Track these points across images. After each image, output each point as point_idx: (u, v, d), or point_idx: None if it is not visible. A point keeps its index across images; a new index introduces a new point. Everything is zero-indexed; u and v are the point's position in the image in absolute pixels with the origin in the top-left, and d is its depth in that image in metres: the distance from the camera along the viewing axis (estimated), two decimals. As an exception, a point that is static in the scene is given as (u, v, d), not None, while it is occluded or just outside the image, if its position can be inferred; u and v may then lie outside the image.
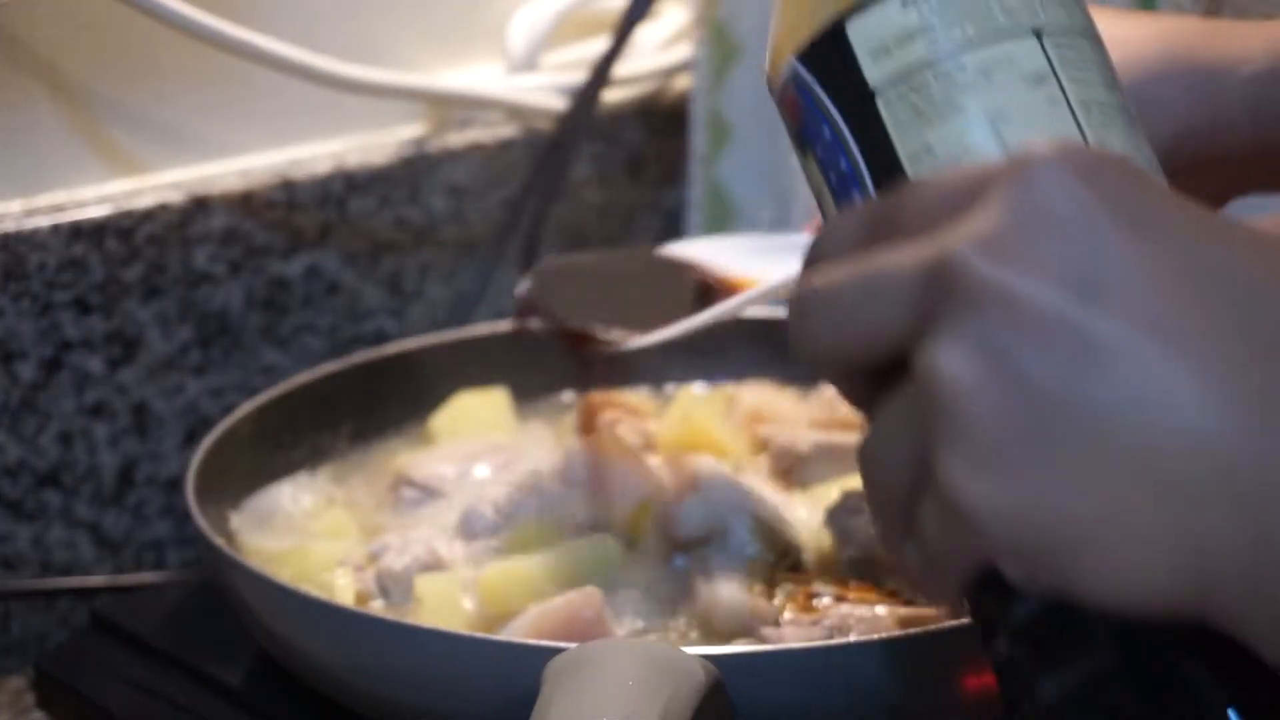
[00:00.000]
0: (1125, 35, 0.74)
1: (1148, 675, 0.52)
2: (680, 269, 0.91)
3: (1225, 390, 0.49)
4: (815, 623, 0.80)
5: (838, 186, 0.60)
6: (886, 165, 0.59)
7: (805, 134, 0.61)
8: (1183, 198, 0.52)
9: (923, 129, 0.58)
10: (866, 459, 0.54)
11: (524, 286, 0.92)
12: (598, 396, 0.99)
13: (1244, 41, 0.76)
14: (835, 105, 0.60)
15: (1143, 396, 0.49)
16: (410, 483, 0.93)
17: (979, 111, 0.58)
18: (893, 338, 0.53)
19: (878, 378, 0.54)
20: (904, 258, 0.52)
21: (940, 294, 0.51)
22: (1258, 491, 0.48)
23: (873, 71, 0.59)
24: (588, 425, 0.97)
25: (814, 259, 0.56)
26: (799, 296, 0.55)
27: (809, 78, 0.60)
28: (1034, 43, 0.58)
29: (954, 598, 0.55)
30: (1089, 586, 0.50)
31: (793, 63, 0.61)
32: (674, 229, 1.17)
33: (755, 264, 0.89)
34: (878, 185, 0.59)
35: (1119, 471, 0.49)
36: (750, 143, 1.13)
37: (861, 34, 0.59)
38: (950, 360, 0.50)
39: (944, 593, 0.54)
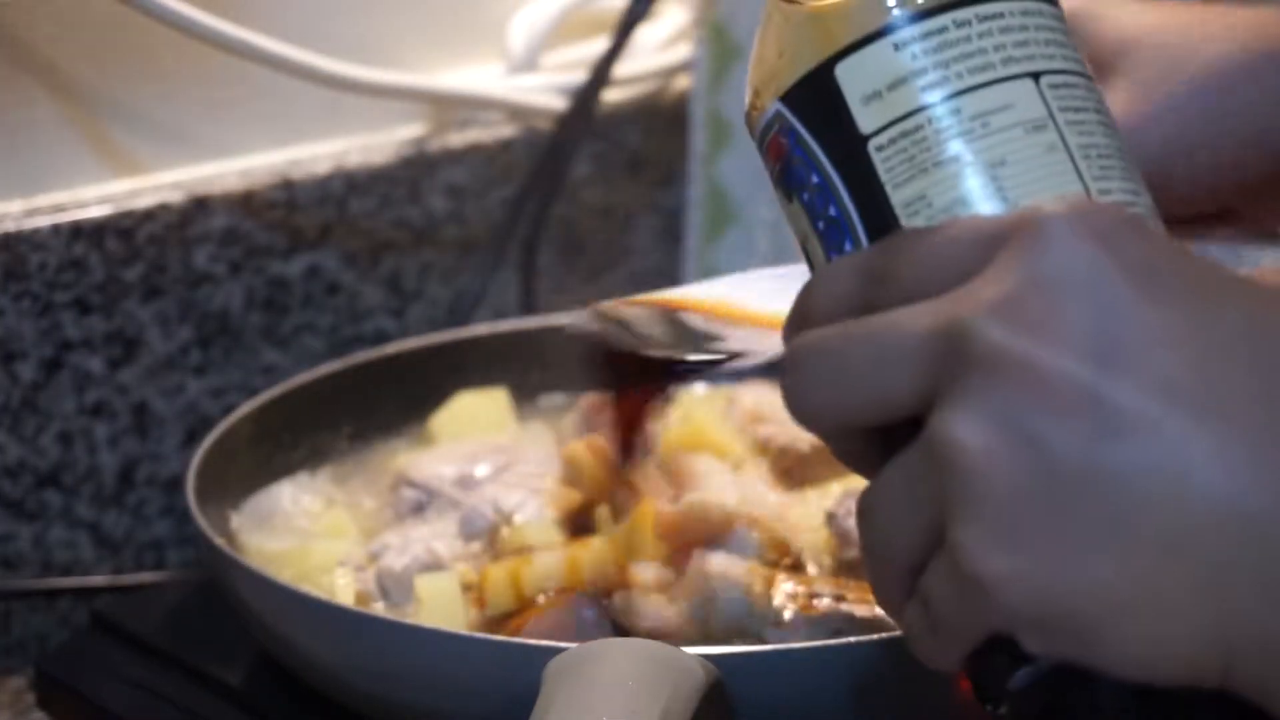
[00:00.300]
0: (1204, 31, 0.71)
1: None
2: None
3: (1251, 456, 0.48)
4: (815, 623, 0.80)
5: (826, 234, 0.58)
6: (879, 214, 0.57)
7: (790, 178, 0.59)
8: (1183, 249, 0.51)
9: (917, 177, 0.56)
10: (868, 516, 0.53)
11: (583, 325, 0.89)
12: (598, 397, 0.99)
13: None
14: (823, 151, 0.58)
15: (1168, 465, 0.48)
16: (410, 483, 0.93)
17: (976, 159, 0.56)
18: (902, 403, 0.52)
19: (877, 435, 0.53)
20: (914, 321, 0.52)
21: (954, 361, 0.50)
22: None
23: (864, 117, 0.57)
24: (588, 425, 0.97)
25: (807, 310, 0.55)
26: (796, 351, 0.54)
27: (794, 121, 0.59)
28: (1031, 86, 0.57)
29: (956, 664, 0.54)
30: (1114, 658, 0.49)
31: (776, 105, 0.59)
32: (674, 229, 1.17)
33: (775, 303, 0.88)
34: (870, 234, 0.57)
35: (1145, 543, 0.48)
36: (750, 143, 1.13)
37: (851, 77, 0.57)
38: (968, 431, 0.50)
39: (947, 658, 0.53)
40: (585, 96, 1.11)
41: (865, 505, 0.54)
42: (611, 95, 1.14)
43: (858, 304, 0.54)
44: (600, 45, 1.12)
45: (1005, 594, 0.49)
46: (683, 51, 1.17)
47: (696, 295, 0.87)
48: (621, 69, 1.12)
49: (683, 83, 1.17)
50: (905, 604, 0.53)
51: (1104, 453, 0.48)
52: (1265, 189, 0.71)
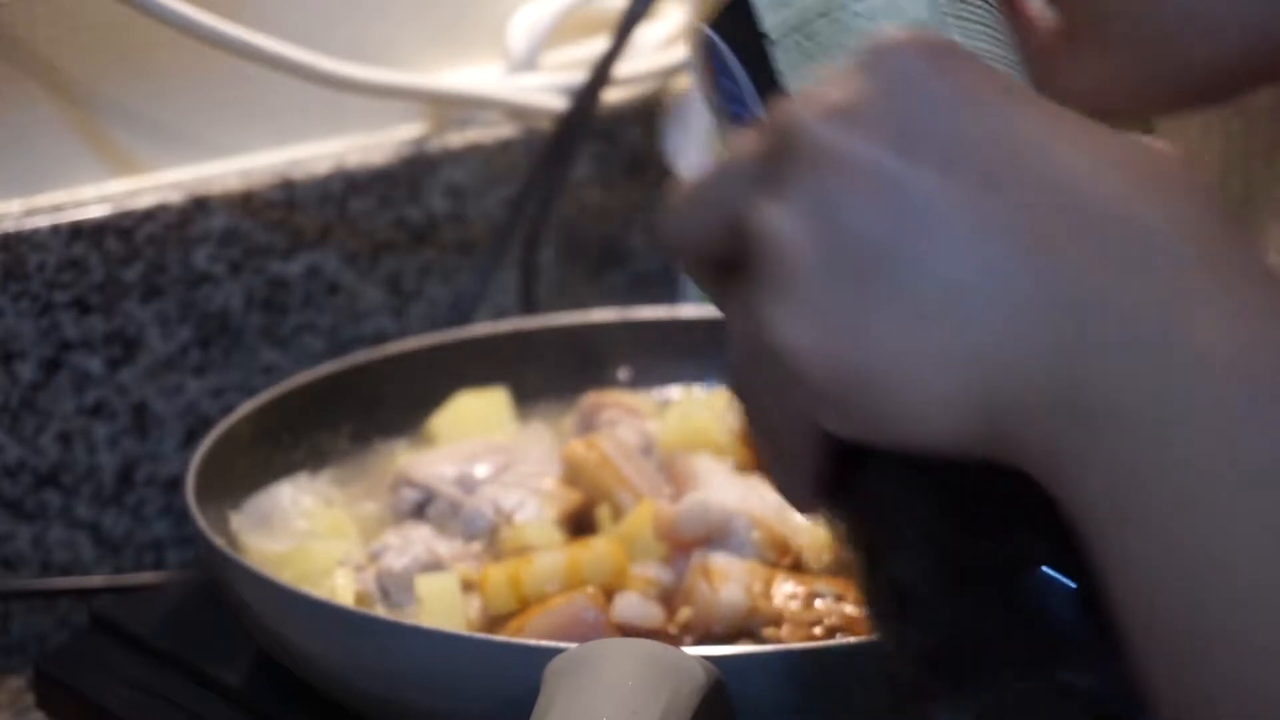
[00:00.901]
0: None
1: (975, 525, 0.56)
2: None
3: (1018, 237, 0.52)
4: (815, 623, 0.80)
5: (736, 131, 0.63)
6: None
7: (717, 95, 0.64)
8: (1030, 91, 0.56)
9: (809, 68, 0.60)
10: (726, 357, 0.58)
11: None
12: (597, 396, 0.99)
13: None
14: (738, 58, 0.63)
15: (949, 241, 0.53)
16: (410, 483, 0.93)
17: (859, 49, 0.59)
18: (736, 213, 0.56)
19: (730, 271, 0.57)
20: (752, 139, 0.57)
21: (780, 160, 0.55)
22: (1043, 322, 0.52)
23: (770, 20, 0.61)
24: (588, 425, 0.97)
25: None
26: (673, 199, 0.59)
27: (718, 40, 0.63)
28: None
29: (811, 493, 0.58)
30: (893, 417, 0.53)
31: (705, 31, 0.64)
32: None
33: None
34: None
35: (923, 308, 0.53)
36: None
37: None
38: (777, 215, 0.54)
39: (800, 486, 0.58)
40: (585, 96, 1.11)
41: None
42: (611, 95, 1.14)
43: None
44: (600, 45, 1.12)
45: (802, 363, 0.54)
46: (683, 51, 1.17)
47: None
48: (621, 69, 1.12)
49: (683, 83, 1.17)
50: (764, 441, 0.58)
51: (894, 229, 0.53)
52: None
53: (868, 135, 0.54)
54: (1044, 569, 0.54)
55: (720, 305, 0.59)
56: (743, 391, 0.58)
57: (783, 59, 0.61)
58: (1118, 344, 0.51)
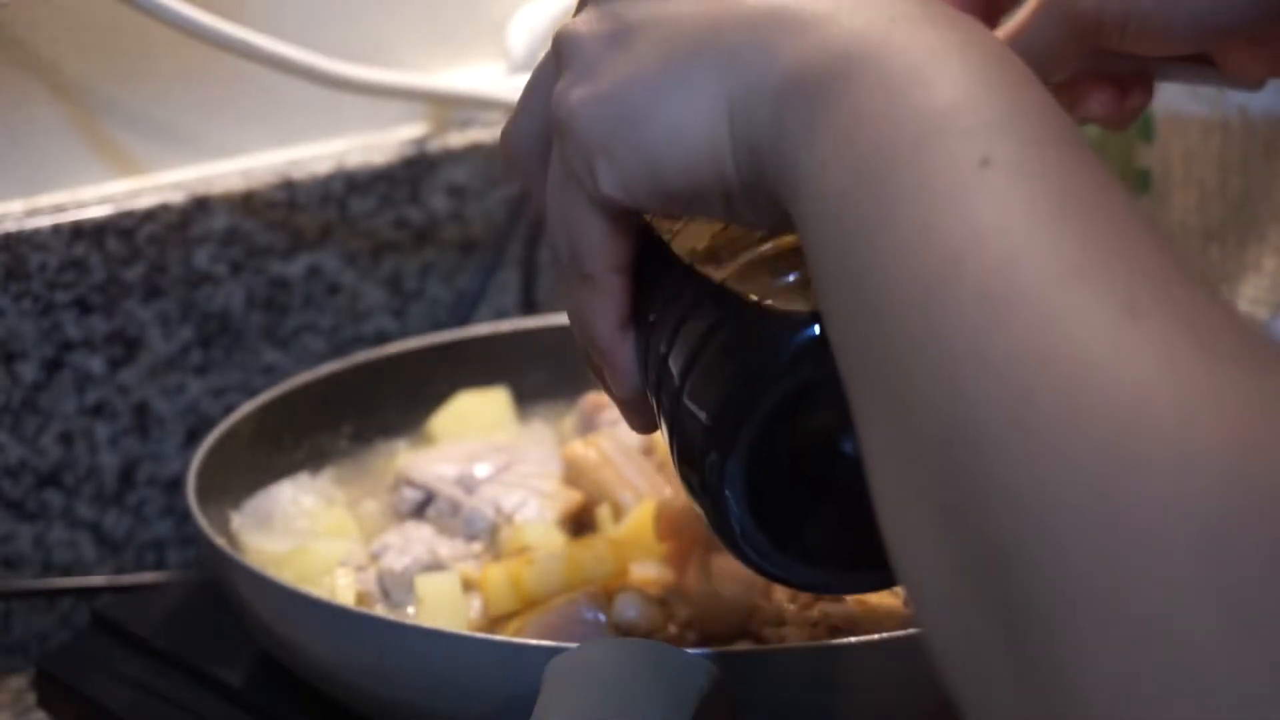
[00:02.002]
0: None
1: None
2: None
3: None
4: (815, 623, 0.80)
5: None
6: None
7: None
8: None
9: None
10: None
11: None
12: (597, 396, 0.99)
13: None
14: None
15: (697, 4, 0.60)
16: (410, 483, 0.93)
17: None
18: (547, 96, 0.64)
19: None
20: None
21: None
22: (773, 23, 0.57)
23: None
24: (588, 425, 0.97)
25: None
26: None
27: None
28: None
29: (618, 327, 0.65)
30: (656, 146, 0.59)
31: None
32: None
33: None
34: None
35: (674, 48, 0.59)
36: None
37: None
38: (572, 22, 0.63)
39: (609, 322, 0.65)
40: (585, 96, 1.11)
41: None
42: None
43: None
44: (600, 45, 1.12)
45: (580, 120, 0.61)
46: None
47: None
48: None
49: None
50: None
51: (655, 7, 0.60)
52: (1239, 40, 0.71)
53: None
54: (802, 321, 0.60)
55: (539, 189, 0.66)
56: (556, 226, 0.65)
57: None
58: (821, 44, 0.55)
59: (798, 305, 0.61)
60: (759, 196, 0.58)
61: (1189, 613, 0.43)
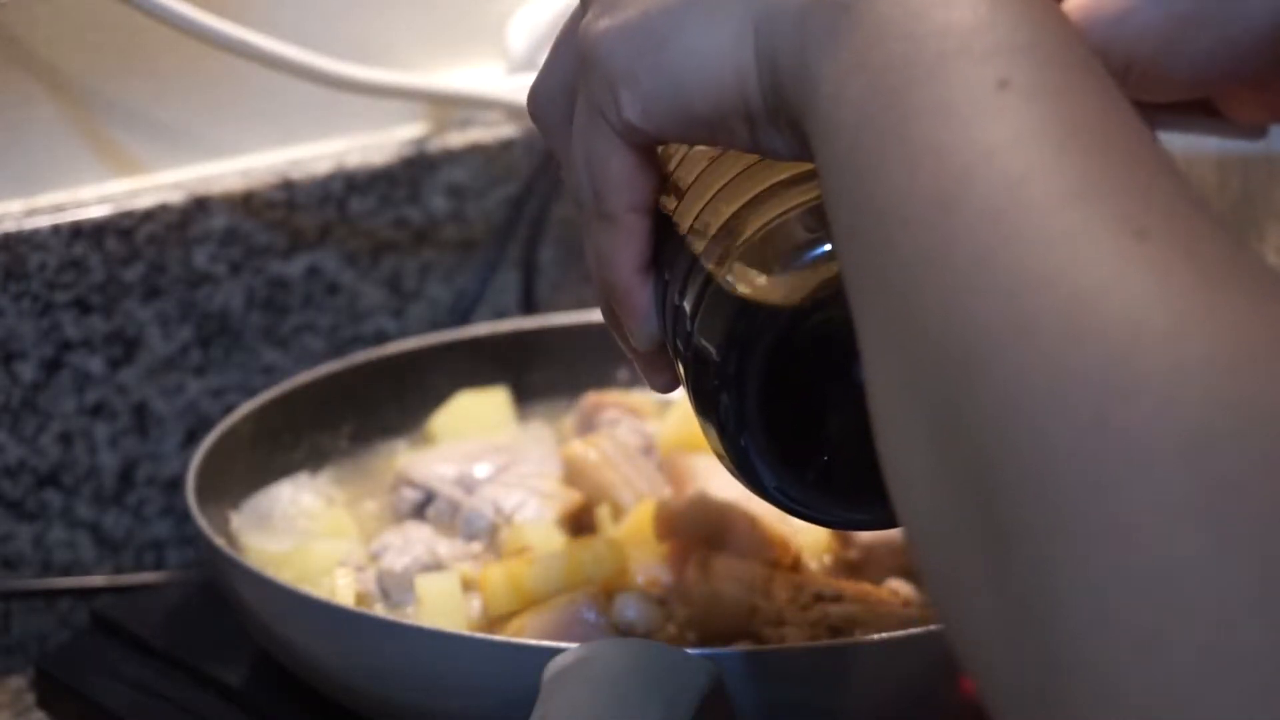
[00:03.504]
0: None
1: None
2: None
3: None
4: (815, 623, 0.80)
5: None
6: None
7: None
8: None
9: None
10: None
11: None
12: (597, 396, 0.99)
13: None
14: None
15: None
16: (410, 483, 0.93)
17: None
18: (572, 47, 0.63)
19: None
20: None
21: None
22: None
23: None
24: (588, 425, 0.97)
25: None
26: None
27: None
28: None
29: (639, 267, 0.65)
30: (681, 71, 0.59)
31: None
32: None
33: None
34: None
35: None
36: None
37: None
38: None
39: (630, 262, 0.65)
40: (585, 96, 1.11)
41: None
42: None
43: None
44: (600, 45, 1.12)
45: (606, 43, 0.60)
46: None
47: None
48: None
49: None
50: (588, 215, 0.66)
51: None
52: (1242, 85, 0.71)
53: None
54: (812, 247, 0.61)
55: (564, 136, 0.65)
56: (577, 172, 0.64)
57: None
58: None
59: (809, 234, 0.61)
60: (780, 119, 0.58)
61: (1171, 523, 0.44)
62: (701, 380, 0.64)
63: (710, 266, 0.63)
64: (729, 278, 0.63)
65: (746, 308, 0.62)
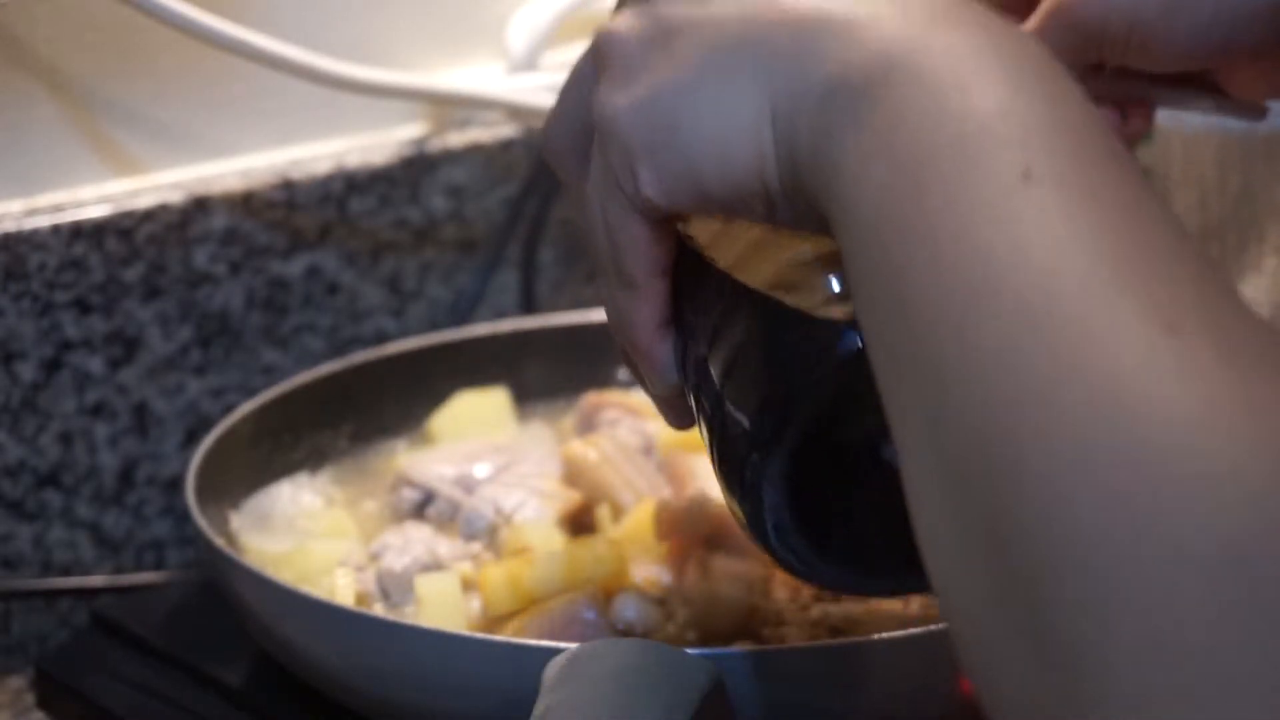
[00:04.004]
0: None
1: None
2: None
3: None
4: (815, 623, 0.80)
5: None
6: None
7: None
8: None
9: None
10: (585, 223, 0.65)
11: None
12: (597, 396, 0.99)
13: None
14: None
15: (739, 6, 0.60)
16: (410, 483, 0.93)
17: None
18: (586, 97, 0.63)
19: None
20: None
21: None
22: (812, 33, 0.57)
23: None
24: (588, 425, 0.97)
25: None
26: None
27: None
28: None
29: (659, 323, 0.66)
30: (698, 157, 0.59)
31: None
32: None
33: None
34: None
35: (716, 52, 0.59)
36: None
37: None
38: (612, 22, 0.63)
39: (649, 318, 0.65)
40: (585, 96, 1.11)
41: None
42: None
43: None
44: (600, 45, 1.12)
45: (622, 125, 0.61)
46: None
47: None
48: (621, 69, 1.12)
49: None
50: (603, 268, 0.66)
51: (695, 9, 0.61)
52: (1242, 56, 0.71)
53: None
54: (842, 329, 0.60)
55: (580, 187, 0.65)
56: (594, 227, 0.64)
57: None
58: (862, 47, 0.55)
59: (836, 310, 0.61)
60: (799, 200, 0.58)
61: (1210, 629, 0.43)
62: (727, 441, 0.63)
63: (741, 332, 0.63)
64: (761, 350, 0.63)
65: (782, 384, 0.62)
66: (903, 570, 0.61)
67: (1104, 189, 0.50)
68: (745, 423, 0.62)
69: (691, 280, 0.65)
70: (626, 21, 0.62)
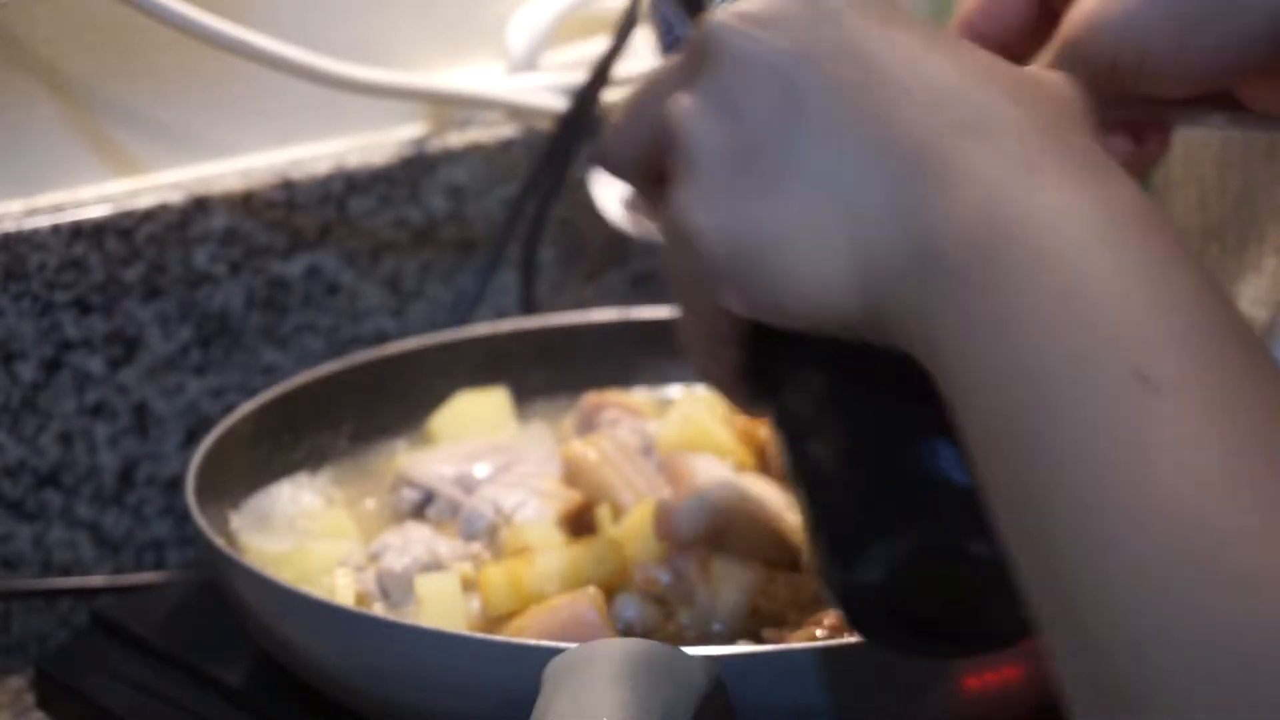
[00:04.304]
0: None
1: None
2: None
3: (883, 128, 0.57)
4: (815, 623, 0.80)
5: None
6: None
7: (658, 28, 0.70)
8: (925, 21, 0.61)
9: None
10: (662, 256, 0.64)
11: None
12: (597, 396, 0.99)
13: None
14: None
15: (826, 131, 0.58)
16: (410, 483, 0.93)
17: None
18: (660, 116, 0.62)
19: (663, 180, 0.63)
20: (678, 56, 0.63)
21: (695, 63, 0.61)
22: (899, 196, 0.56)
23: None
24: (588, 425, 0.97)
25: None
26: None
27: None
28: None
29: (734, 380, 0.65)
30: (782, 294, 0.58)
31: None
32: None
33: None
34: None
35: (803, 192, 0.58)
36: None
37: None
38: (686, 107, 0.61)
39: (726, 375, 0.65)
40: (585, 96, 1.11)
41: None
42: (611, 95, 1.14)
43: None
44: (600, 45, 1.12)
45: (703, 242, 0.59)
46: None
47: None
48: (621, 69, 1.12)
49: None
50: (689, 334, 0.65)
51: (783, 120, 0.59)
52: (1253, 73, 0.72)
53: (769, 38, 0.60)
54: (936, 438, 0.58)
55: (654, 207, 0.64)
56: (674, 284, 0.64)
57: None
58: (961, 207, 0.54)
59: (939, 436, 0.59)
60: (886, 337, 0.57)
61: None
62: (829, 542, 0.62)
63: (850, 440, 0.61)
64: (873, 471, 0.61)
65: (890, 511, 0.60)
66: (982, 645, 0.62)
67: (1232, 395, 0.50)
68: (850, 533, 0.61)
69: (792, 345, 0.63)
70: (702, 113, 0.60)
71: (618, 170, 0.67)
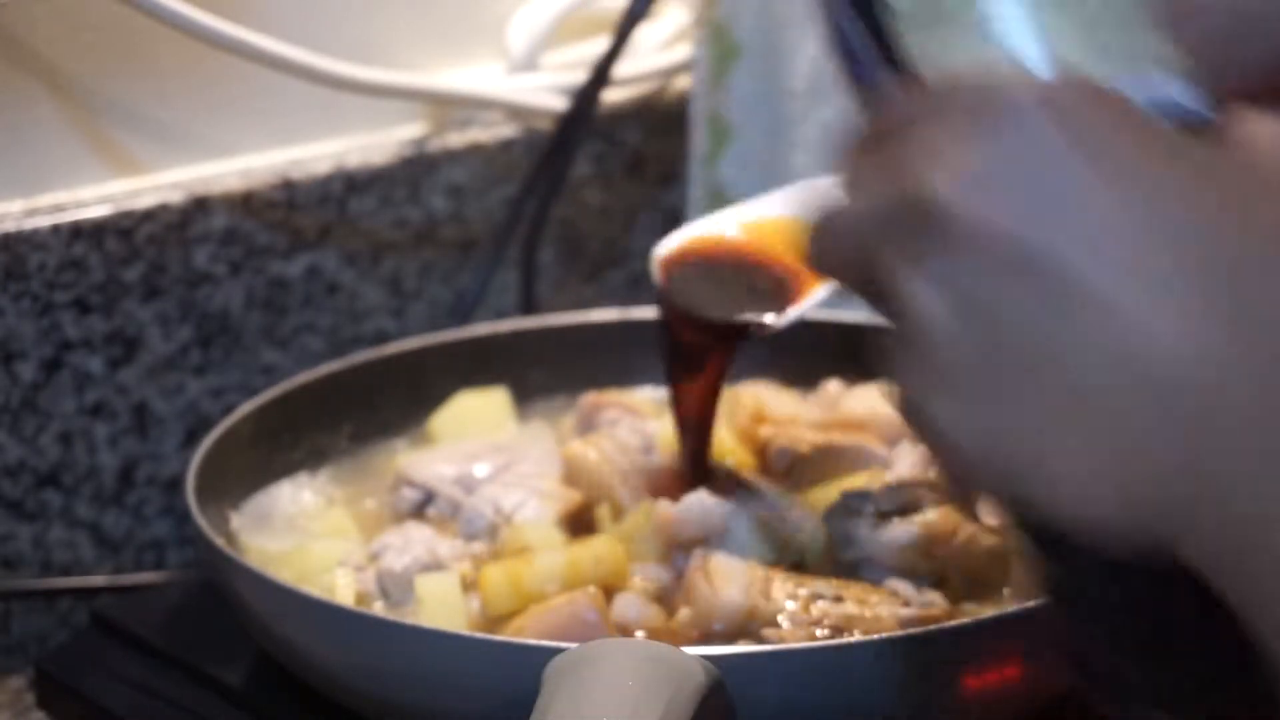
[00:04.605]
0: None
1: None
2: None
3: (1161, 325, 0.52)
4: (815, 623, 0.80)
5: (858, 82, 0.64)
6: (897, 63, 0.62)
7: (834, 41, 0.65)
8: (1147, 122, 0.55)
9: (920, 32, 0.61)
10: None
11: (662, 287, 0.92)
12: (597, 396, 0.99)
13: None
14: (862, 26, 0.64)
15: (1090, 333, 0.52)
16: (410, 483, 0.93)
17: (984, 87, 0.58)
18: (873, 259, 0.57)
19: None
20: (887, 183, 0.56)
21: (914, 219, 0.55)
22: (1173, 418, 0.51)
23: None
24: (588, 425, 0.97)
25: (839, 168, 0.60)
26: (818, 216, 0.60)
27: (844, 22, 0.64)
28: None
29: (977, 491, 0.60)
30: (1040, 503, 0.54)
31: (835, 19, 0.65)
32: (674, 229, 1.17)
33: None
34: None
35: (1065, 403, 0.53)
36: (750, 143, 1.13)
37: None
38: (923, 296, 0.55)
39: (969, 486, 0.59)
40: (585, 96, 1.11)
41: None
42: (611, 95, 1.14)
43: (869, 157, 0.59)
44: (600, 45, 1.12)
45: (957, 440, 0.55)
46: (683, 51, 1.17)
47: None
48: (621, 69, 1.13)
49: (683, 83, 1.17)
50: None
51: (1041, 320, 0.53)
52: None
53: (1002, 208, 0.54)
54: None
55: (875, 309, 0.59)
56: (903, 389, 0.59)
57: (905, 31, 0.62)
58: (1241, 435, 0.51)
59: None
60: (1140, 544, 0.54)
61: None
62: (1110, 681, 0.60)
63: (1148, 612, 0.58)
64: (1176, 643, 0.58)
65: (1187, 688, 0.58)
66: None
67: None
68: (1133, 679, 0.59)
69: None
70: (945, 309, 0.55)
71: (828, 266, 0.61)
